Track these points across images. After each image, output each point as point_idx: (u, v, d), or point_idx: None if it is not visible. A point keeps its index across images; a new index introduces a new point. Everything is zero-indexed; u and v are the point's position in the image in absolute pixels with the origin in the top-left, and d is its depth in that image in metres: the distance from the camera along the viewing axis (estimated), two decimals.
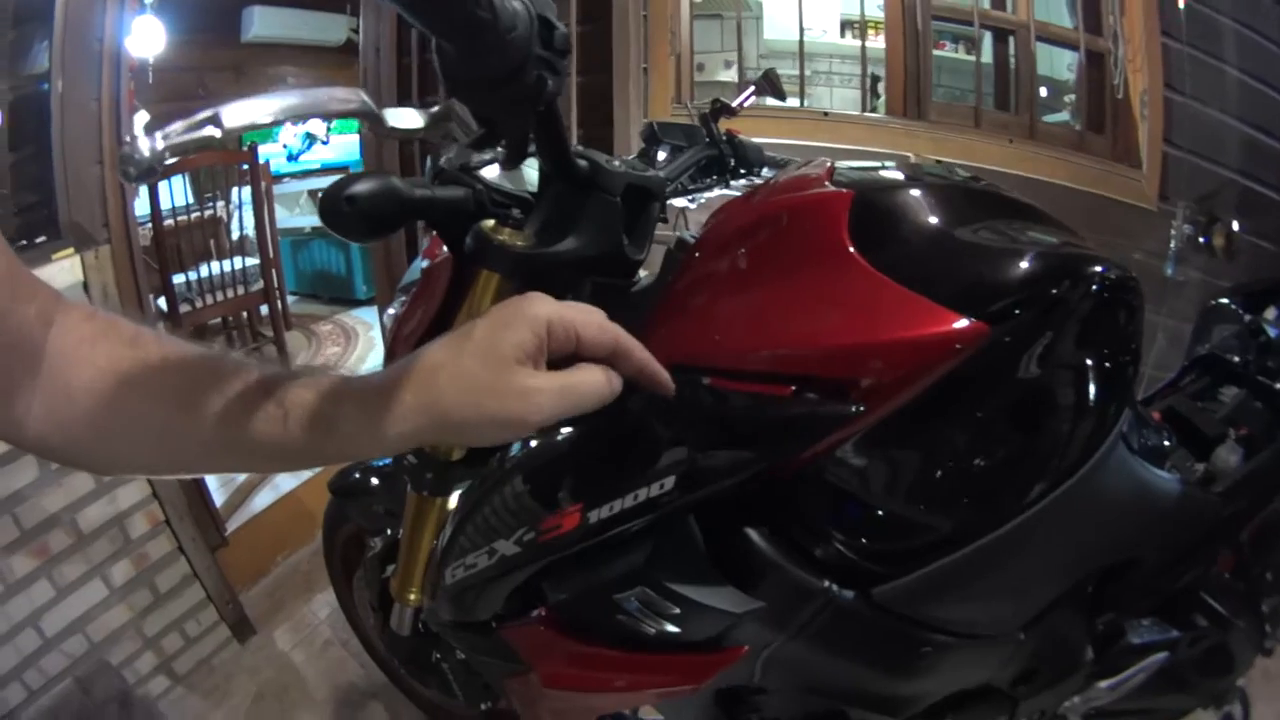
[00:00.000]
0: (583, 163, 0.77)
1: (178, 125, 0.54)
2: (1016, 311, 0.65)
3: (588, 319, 0.57)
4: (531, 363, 0.54)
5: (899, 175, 0.85)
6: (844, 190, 0.74)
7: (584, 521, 0.74)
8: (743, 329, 0.72)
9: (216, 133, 0.54)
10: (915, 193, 0.78)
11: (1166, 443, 1.06)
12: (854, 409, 0.65)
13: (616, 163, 0.82)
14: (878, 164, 0.88)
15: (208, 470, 0.60)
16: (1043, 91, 2.58)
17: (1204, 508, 0.97)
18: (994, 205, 0.82)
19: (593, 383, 0.56)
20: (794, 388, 0.67)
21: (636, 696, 0.88)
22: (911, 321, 0.64)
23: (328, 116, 0.64)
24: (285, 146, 6.25)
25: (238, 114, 0.55)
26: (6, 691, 1.72)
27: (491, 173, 0.85)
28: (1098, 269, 0.69)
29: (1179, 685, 1.15)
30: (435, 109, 0.73)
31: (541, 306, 0.56)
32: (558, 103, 0.68)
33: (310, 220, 6.12)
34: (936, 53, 2.60)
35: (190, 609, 2.10)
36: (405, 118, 0.73)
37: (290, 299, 5.16)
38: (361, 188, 0.68)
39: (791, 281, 0.71)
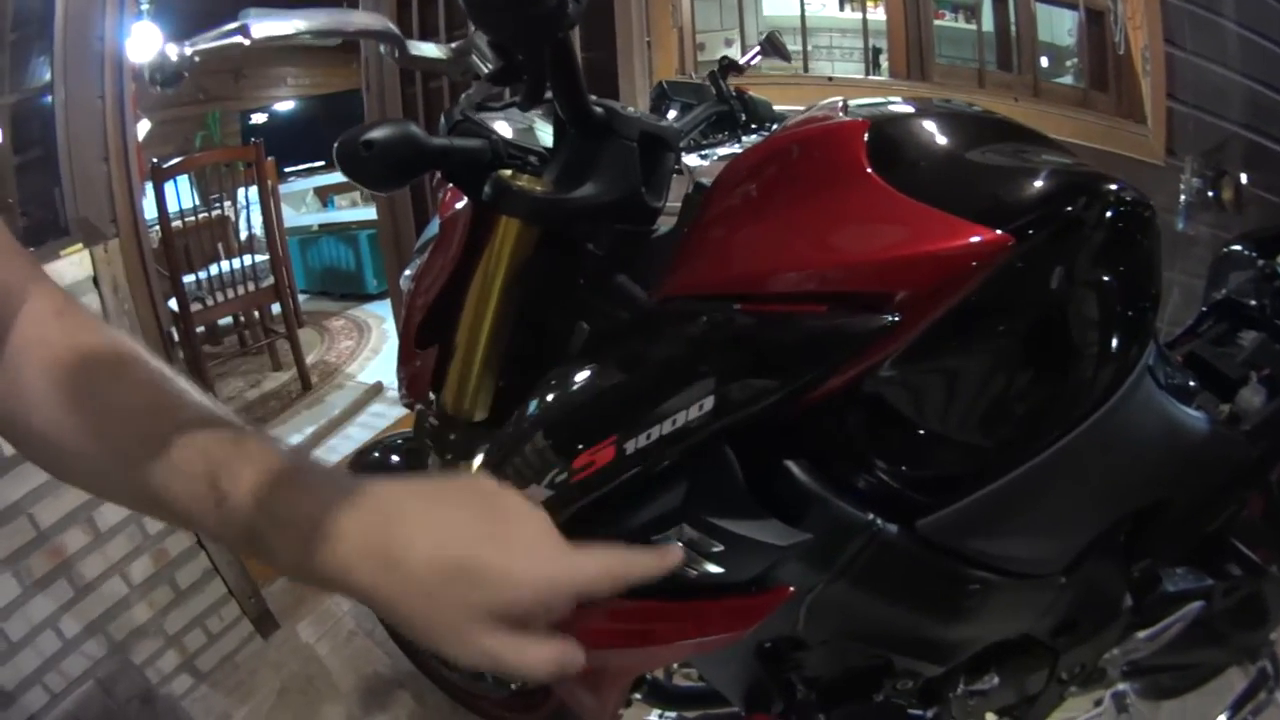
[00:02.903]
0: (598, 109, 0.77)
1: (207, 34, 0.54)
2: (1038, 226, 0.65)
3: (600, 586, 0.50)
4: (506, 623, 0.47)
5: (911, 107, 0.85)
6: (859, 119, 0.74)
7: (620, 454, 0.73)
8: (770, 254, 0.72)
9: (245, 41, 0.54)
10: (928, 120, 0.79)
11: (1191, 383, 1.06)
12: (889, 320, 0.64)
13: (631, 109, 0.82)
14: (887, 100, 0.88)
15: (146, 515, 0.57)
16: (1044, 61, 2.57)
17: (1232, 446, 0.96)
18: (1005, 130, 0.82)
19: (536, 666, 0.47)
20: (827, 305, 0.66)
21: (678, 649, 0.86)
22: (937, 235, 0.64)
23: (352, 36, 0.64)
24: None
25: (265, 27, 0.55)
26: (29, 696, 1.71)
27: (505, 130, 0.85)
28: (1113, 187, 0.70)
29: (1214, 638, 1.15)
30: (457, 44, 0.73)
31: (560, 575, 0.48)
32: (571, 42, 0.68)
33: (318, 218, 6.12)
34: (936, 22, 2.60)
35: (212, 605, 2.09)
36: (427, 49, 0.72)
37: (301, 297, 5.19)
38: (379, 133, 0.68)
39: (814, 206, 0.70)
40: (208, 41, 0.54)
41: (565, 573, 0.49)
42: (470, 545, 0.47)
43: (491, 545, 0.47)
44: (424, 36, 2.61)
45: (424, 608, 0.46)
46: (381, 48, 0.69)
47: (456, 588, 0.45)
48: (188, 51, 0.53)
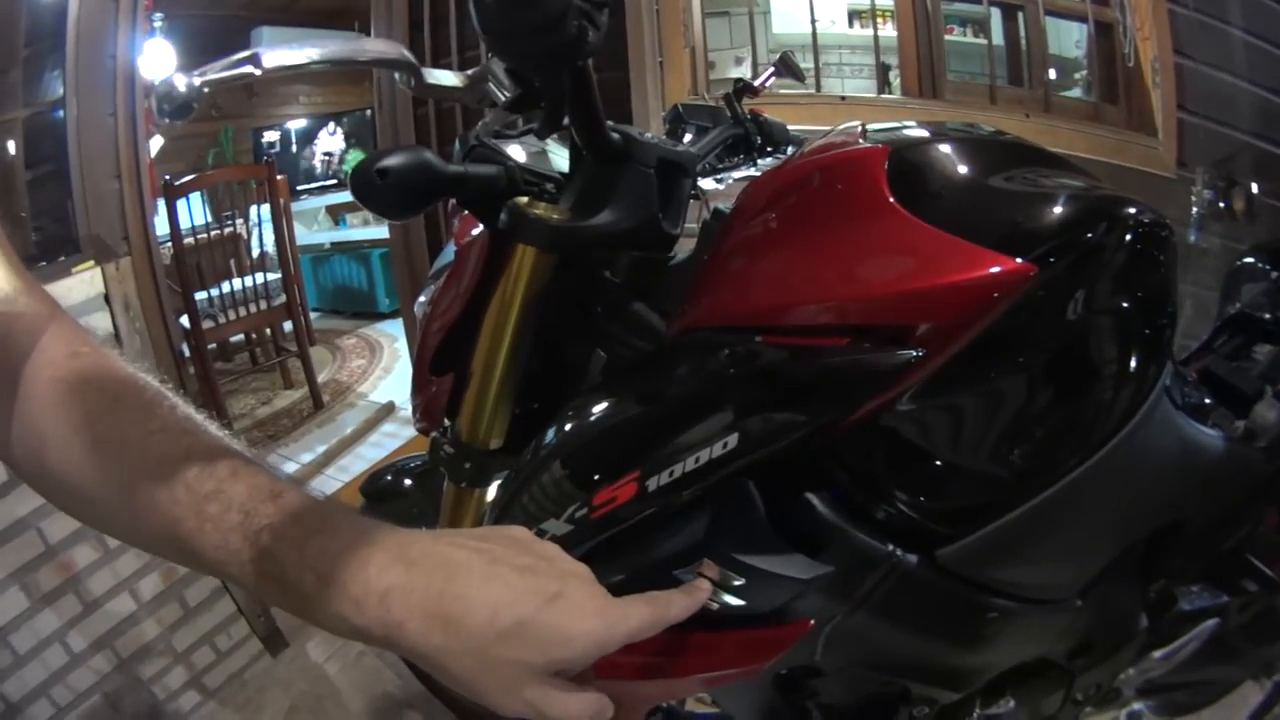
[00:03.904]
0: (615, 135, 0.77)
1: (216, 64, 0.53)
2: (1060, 253, 0.65)
3: (645, 632, 0.51)
4: (553, 677, 0.47)
5: (927, 132, 0.85)
6: (879, 146, 0.74)
7: (642, 490, 0.72)
8: (791, 285, 0.71)
9: (255, 72, 0.53)
10: (947, 146, 0.78)
11: (1207, 401, 1.05)
12: (912, 355, 0.64)
13: (649, 135, 0.82)
14: (904, 124, 0.88)
15: (174, 562, 0.56)
16: (1052, 73, 2.57)
17: (1248, 463, 0.96)
18: (1024, 154, 0.82)
19: (575, 716, 0.48)
20: (849, 338, 0.66)
21: (696, 682, 0.85)
22: (960, 265, 0.63)
23: (366, 65, 0.63)
24: None
25: (277, 57, 0.54)
26: (35, 708, 1.71)
27: (519, 155, 0.85)
28: (1133, 210, 0.70)
29: (1229, 654, 1.14)
30: (473, 70, 0.72)
31: (611, 630, 0.48)
32: (590, 70, 0.68)
33: (330, 236, 6.13)
34: (946, 38, 2.60)
35: (221, 622, 2.09)
36: (443, 76, 0.72)
37: (313, 315, 5.18)
38: (394, 160, 0.67)
39: (835, 236, 0.70)
40: (218, 71, 0.53)
41: (614, 629, 0.48)
42: (528, 607, 0.46)
43: (548, 606, 0.47)
44: (436, 58, 2.61)
45: (476, 666, 0.45)
46: (397, 76, 0.68)
47: (513, 648, 0.45)
48: (196, 82, 0.52)
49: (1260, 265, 1.37)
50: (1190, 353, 1.30)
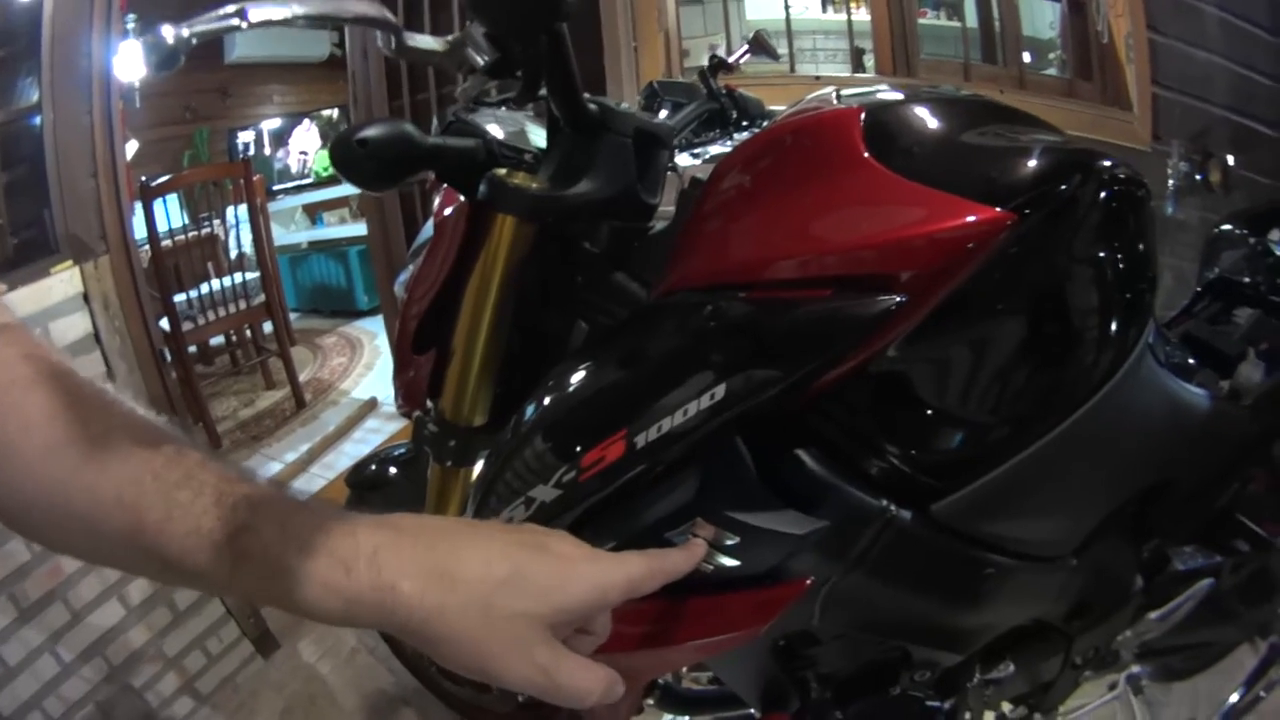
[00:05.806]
0: (592, 106, 0.77)
1: (204, 17, 0.53)
2: (1038, 203, 0.65)
3: (644, 582, 0.51)
4: (560, 634, 0.47)
5: (902, 94, 0.85)
6: (853, 107, 0.74)
7: (630, 448, 0.71)
8: (771, 242, 0.71)
9: (242, 24, 0.54)
10: (921, 105, 0.79)
11: (1191, 361, 1.06)
12: (894, 301, 0.64)
13: (625, 104, 0.82)
14: (877, 89, 0.88)
15: (135, 573, 0.53)
16: (1027, 56, 2.59)
17: (1234, 421, 0.97)
18: (996, 112, 0.82)
19: (587, 688, 0.47)
20: (832, 290, 0.66)
21: (693, 650, 0.84)
22: (939, 215, 0.64)
23: (348, 22, 0.63)
24: None
25: (262, 11, 0.55)
26: None
27: (497, 132, 0.85)
28: (1108, 163, 0.70)
29: (1224, 615, 1.15)
30: (453, 36, 0.73)
31: (609, 575, 0.48)
32: (567, 35, 0.68)
33: (307, 235, 6.13)
34: (920, 21, 2.62)
35: (211, 626, 2.08)
36: (424, 40, 0.72)
37: (292, 315, 5.17)
38: (374, 131, 0.68)
39: (812, 193, 0.70)
40: (205, 24, 0.53)
41: (612, 576, 0.49)
42: (520, 557, 0.46)
43: (540, 556, 0.47)
44: None
45: (478, 624, 0.44)
46: (378, 38, 0.69)
47: (512, 599, 0.45)
48: (185, 33, 0.52)
49: (1238, 231, 1.38)
50: (1172, 317, 1.31)
